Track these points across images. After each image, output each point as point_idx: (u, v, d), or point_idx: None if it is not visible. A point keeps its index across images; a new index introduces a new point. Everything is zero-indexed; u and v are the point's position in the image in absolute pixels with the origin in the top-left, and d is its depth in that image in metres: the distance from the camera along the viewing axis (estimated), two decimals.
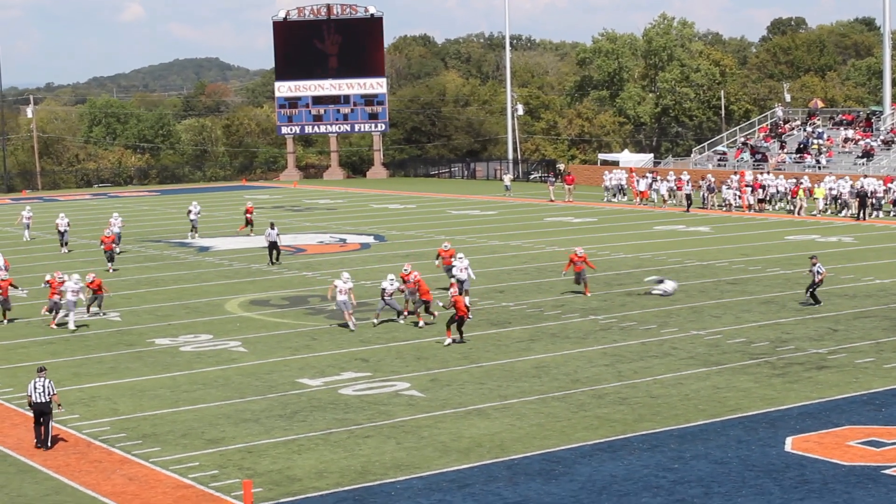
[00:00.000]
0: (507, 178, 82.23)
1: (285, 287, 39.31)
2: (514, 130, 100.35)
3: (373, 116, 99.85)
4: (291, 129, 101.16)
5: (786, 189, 62.29)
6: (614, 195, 70.69)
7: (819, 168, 70.46)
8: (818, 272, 32.76)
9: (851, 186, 59.12)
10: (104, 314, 34.03)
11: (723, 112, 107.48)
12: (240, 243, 52.45)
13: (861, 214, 56.60)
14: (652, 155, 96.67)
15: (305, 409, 23.21)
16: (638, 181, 68.77)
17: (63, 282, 32.38)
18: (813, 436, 20.48)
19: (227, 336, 30.97)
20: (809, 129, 78.85)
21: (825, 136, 76.26)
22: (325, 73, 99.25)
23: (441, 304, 31.14)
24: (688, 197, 62.31)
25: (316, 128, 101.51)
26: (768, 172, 67.80)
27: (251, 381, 25.70)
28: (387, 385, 25.00)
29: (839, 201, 59.70)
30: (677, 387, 24.21)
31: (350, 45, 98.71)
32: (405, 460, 19.73)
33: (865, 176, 62.26)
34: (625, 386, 24.41)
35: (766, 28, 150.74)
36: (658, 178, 69.45)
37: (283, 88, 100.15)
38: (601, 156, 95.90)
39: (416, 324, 31.20)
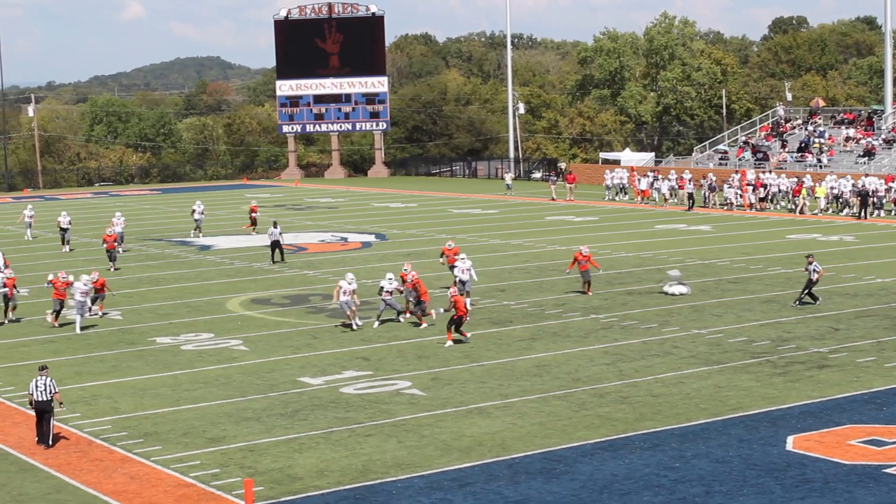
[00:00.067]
0: (509, 177, 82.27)
1: (286, 286, 39.32)
2: (515, 129, 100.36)
3: (374, 115, 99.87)
4: (293, 128, 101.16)
5: (787, 188, 62.27)
6: (616, 194, 70.69)
7: (820, 167, 70.44)
8: (814, 271, 32.76)
9: (853, 185, 59.11)
10: (103, 314, 33.99)
11: (724, 111, 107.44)
12: (241, 242, 52.47)
13: (862, 213, 56.60)
14: (653, 154, 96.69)
15: (307, 407, 23.22)
16: (639, 180, 68.76)
17: (68, 282, 32.30)
18: (814, 435, 20.48)
19: (228, 335, 30.98)
20: (811, 128, 78.83)
21: (826, 135, 76.25)
22: (327, 71, 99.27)
23: (442, 310, 31.10)
24: (690, 196, 62.29)
25: (317, 126, 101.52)
26: (770, 171, 67.80)
27: (252, 380, 25.71)
28: (388, 384, 25.01)
29: (840, 200, 59.70)
30: (678, 386, 24.21)
31: (351, 44, 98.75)
32: (406, 459, 19.73)
33: (867, 175, 62.26)
34: (626, 385, 24.41)
35: (768, 27, 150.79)
36: (659, 177, 69.45)
37: (285, 87, 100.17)
38: (602, 155, 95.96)
39: (417, 324, 31.17)
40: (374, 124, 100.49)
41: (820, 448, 19.68)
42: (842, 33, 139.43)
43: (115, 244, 44.94)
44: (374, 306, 32.58)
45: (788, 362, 26.07)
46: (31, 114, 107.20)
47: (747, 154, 76.81)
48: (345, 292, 30.46)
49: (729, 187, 63.15)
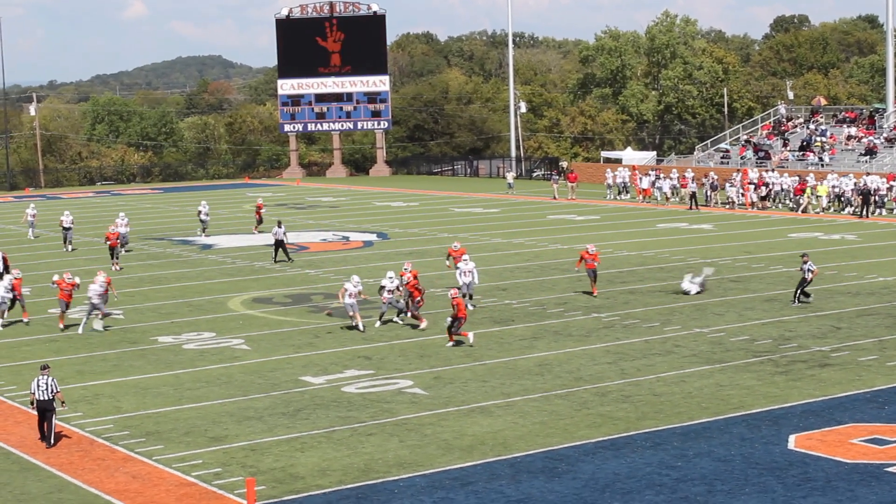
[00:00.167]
0: (510, 176, 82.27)
1: (288, 285, 39.33)
2: (516, 128, 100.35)
3: (375, 114, 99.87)
4: (294, 127, 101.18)
5: (789, 187, 62.22)
6: (619, 193, 70.65)
7: (822, 166, 70.41)
8: (809, 270, 32.74)
9: (855, 184, 59.09)
10: (105, 315, 33.91)
11: (726, 110, 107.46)
12: (242, 241, 52.48)
13: (864, 212, 56.58)
14: (655, 153, 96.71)
15: (308, 406, 23.22)
16: (641, 179, 68.74)
17: (73, 283, 32.20)
18: (816, 433, 20.48)
19: (230, 334, 30.98)
20: (812, 126, 78.79)
21: (828, 133, 76.21)
22: (328, 70, 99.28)
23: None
24: (692, 195, 62.27)
25: (319, 125, 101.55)
26: (773, 170, 67.78)
27: (254, 379, 25.71)
28: (390, 383, 25.01)
29: (842, 199, 59.69)
30: (680, 384, 24.21)
31: (353, 43, 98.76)
32: (408, 458, 19.73)
33: (868, 174, 62.24)
34: (628, 384, 24.41)
35: (769, 25, 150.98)
36: (661, 175, 69.43)
37: (286, 86, 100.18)
38: (604, 154, 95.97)
39: (416, 325, 31.04)
40: (376, 123, 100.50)
41: (822, 447, 19.68)
42: (843, 32, 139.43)
43: (118, 242, 44.94)
44: (375, 304, 32.57)
45: (790, 361, 26.07)
46: (32, 113, 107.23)
47: (749, 153, 76.78)
48: (350, 294, 30.32)
49: (731, 186, 63.14)
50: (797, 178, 61.94)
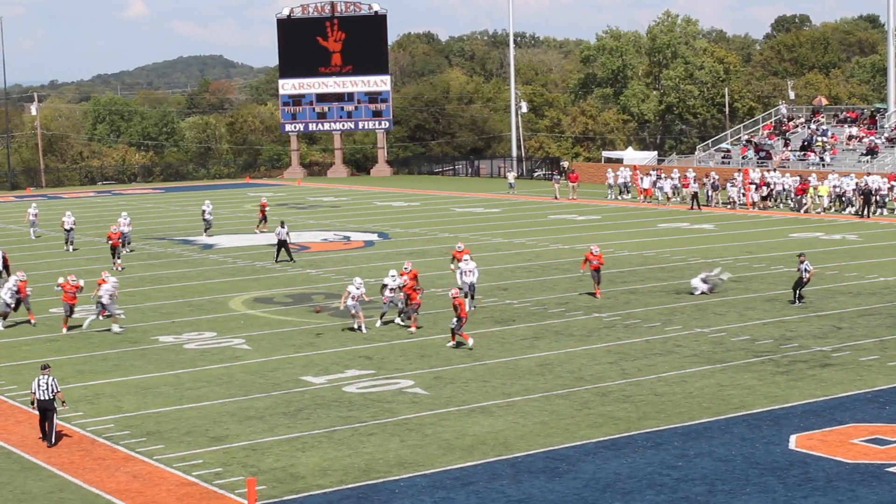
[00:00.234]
0: (511, 176, 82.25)
1: (289, 285, 39.33)
2: (517, 128, 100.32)
3: (377, 114, 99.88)
4: (295, 127, 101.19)
5: (790, 187, 62.19)
6: (620, 193, 70.59)
7: (823, 165, 70.40)
8: (806, 270, 32.74)
9: (856, 184, 59.07)
10: (107, 315, 33.87)
11: (727, 109, 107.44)
12: (243, 241, 52.49)
13: (865, 212, 56.57)
14: (656, 152, 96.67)
15: (309, 406, 23.22)
16: (642, 179, 68.72)
17: (77, 285, 32.12)
18: (817, 433, 20.47)
19: (230, 334, 30.98)
20: (813, 126, 78.78)
21: (829, 133, 76.19)
22: (329, 70, 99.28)
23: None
24: (694, 195, 62.27)
25: (320, 125, 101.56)
26: (774, 170, 67.78)
27: (255, 379, 25.72)
28: (391, 383, 25.01)
29: (843, 199, 59.67)
30: (681, 384, 24.20)
31: (354, 43, 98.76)
32: (409, 458, 19.73)
33: (869, 174, 62.22)
34: (629, 384, 24.40)
35: (771, 25, 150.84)
36: (662, 175, 69.41)
37: (287, 86, 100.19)
38: (605, 153, 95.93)
39: (407, 327, 30.77)
40: (377, 123, 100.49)
41: (823, 447, 19.68)
42: (844, 31, 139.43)
43: (120, 241, 44.94)
44: (377, 304, 32.55)
45: (791, 361, 26.06)
46: (33, 112, 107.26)
47: (750, 153, 76.76)
48: (353, 297, 30.21)
49: (732, 186, 63.13)
50: (798, 178, 61.92)
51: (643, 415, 21.97)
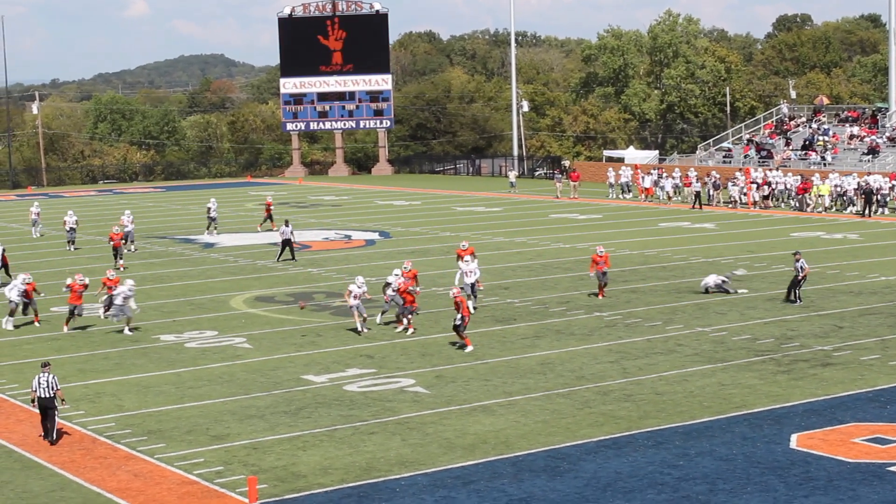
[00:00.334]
0: (513, 175, 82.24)
1: (290, 283, 39.33)
2: (519, 127, 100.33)
3: (378, 113, 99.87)
4: (296, 126, 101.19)
5: (791, 186, 62.15)
6: (622, 192, 70.53)
7: (824, 165, 70.39)
8: (801, 268, 32.73)
9: (857, 183, 59.04)
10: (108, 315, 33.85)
11: (728, 109, 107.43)
12: (244, 240, 52.50)
13: (866, 211, 56.55)
14: (657, 152, 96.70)
15: (310, 405, 23.23)
16: (643, 178, 68.70)
17: (84, 284, 32.08)
18: (818, 433, 20.47)
19: (232, 332, 30.99)
20: (815, 125, 78.76)
21: (830, 132, 76.18)
22: (330, 69, 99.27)
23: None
24: (696, 194, 62.27)
25: (321, 124, 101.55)
26: (777, 169, 67.77)
27: (256, 378, 25.72)
28: (392, 381, 25.01)
29: (844, 198, 59.65)
30: (682, 384, 24.20)
31: (355, 42, 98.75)
32: (410, 457, 19.73)
33: (870, 173, 62.21)
34: (630, 383, 24.40)
35: (772, 25, 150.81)
36: (663, 174, 69.39)
37: (289, 85, 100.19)
38: (606, 152, 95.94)
39: (405, 329, 30.56)
40: (378, 122, 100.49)
41: (824, 446, 19.67)
42: (846, 31, 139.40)
43: (122, 242, 44.92)
44: (378, 303, 32.54)
45: (792, 360, 26.05)
46: (35, 111, 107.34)
47: (752, 152, 76.76)
48: (355, 296, 30.08)
49: (734, 185, 63.12)
50: (800, 178, 61.89)
51: (644, 414, 21.97)
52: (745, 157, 76.20)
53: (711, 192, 63.62)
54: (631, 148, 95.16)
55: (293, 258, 44.36)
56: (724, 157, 78.58)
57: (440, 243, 48.96)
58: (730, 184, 63.82)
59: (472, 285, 32.76)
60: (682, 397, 23.12)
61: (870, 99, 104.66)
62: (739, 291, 34.97)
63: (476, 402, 23.11)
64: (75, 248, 50.13)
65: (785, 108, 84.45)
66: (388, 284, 31.35)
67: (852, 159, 71.27)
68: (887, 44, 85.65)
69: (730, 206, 62.45)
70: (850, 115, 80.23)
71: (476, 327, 29.96)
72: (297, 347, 28.82)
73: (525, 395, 23.63)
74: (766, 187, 62.41)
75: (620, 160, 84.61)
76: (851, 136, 74.78)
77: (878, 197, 57.70)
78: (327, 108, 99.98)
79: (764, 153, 75.29)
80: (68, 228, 50.44)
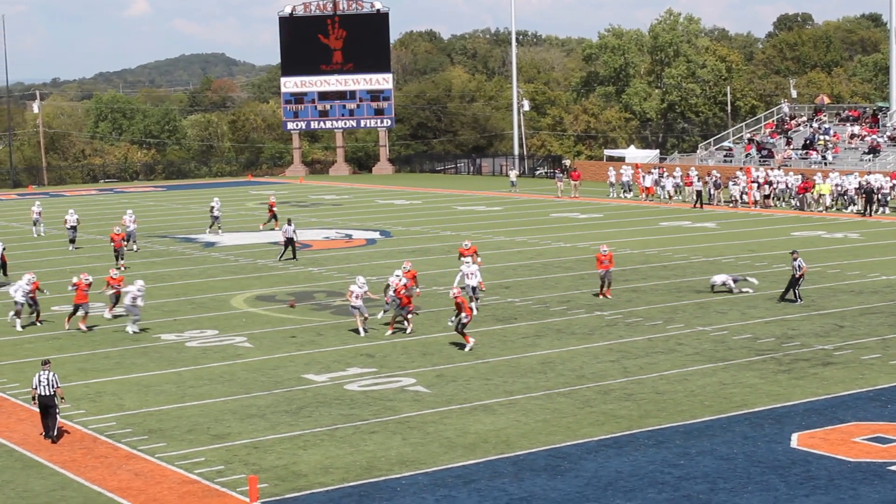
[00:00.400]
0: (513, 174, 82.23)
1: (291, 283, 39.33)
2: (519, 126, 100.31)
3: (379, 112, 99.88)
4: (297, 125, 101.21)
5: (792, 185, 62.13)
6: (627, 191, 70.40)
7: (825, 164, 70.38)
8: (799, 267, 32.72)
9: (858, 183, 59.03)
10: (115, 316, 33.85)
11: (729, 108, 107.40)
12: (245, 239, 52.50)
13: (867, 210, 56.55)
14: (658, 151, 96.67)
15: (311, 404, 23.23)
16: (644, 177, 68.68)
17: (90, 283, 32.06)
18: (819, 432, 20.47)
19: (232, 332, 30.99)
20: (816, 125, 78.75)
21: (831, 132, 76.16)
22: (331, 68, 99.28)
23: (451, 321, 30.18)
24: (698, 193, 62.27)
25: (322, 123, 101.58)
26: (779, 168, 67.76)
27: (257, 377, 25.72)
28: (392, 381, 25.01)
29: (845, 197, 59.64)
30: (683, 383, 24.20)
31: (356, 41, 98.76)
32: (411, 456, 19.74)
33: (870, 173, 62.19)
34: (630, 382, 24.40)
35: (773, 24, 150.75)
36: (664, 173, 69.38)
37: (289, 84, 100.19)
38: (607, 152, 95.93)
39: (404, 329, 30.43)
40: (379, 121, 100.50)
41: (824, 445, 19.67)
42: (847, 30, 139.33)
43: (123, 242, 44.90)
44: (379, 303, 32.52)
45: (793, 359, 26.05)
46: (35, 110, 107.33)
47: (753, 151, 76.74)
48: (357, 297, 29.99)
49: (734, 185, 63.11)
50: (800, 177, 61.89)
51: (645, 413, 21.97)
52: (746, 156, 76.19)
53: (712, 192, 63.62)
54: (632, 147, 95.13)
55: (294, 257, 44.37)
56: (725, 156, 78.57)
57: (441, 242, 48.96)
58: (730, 183, 63.81)
59: (474, 288, 32.61)
60: (683, 396, 23.12)
61: (871, 98, 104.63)
62: (744, 290, 34.99)
63: (477, 402, 23.11)
64: (76, 248, 50.12)
65: (786, 108, 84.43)
66: (388, 286, 31.35)
67: (853, 159, 71.25)
68: (888, 43, 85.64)
69: (731, 205, 62.44)
70: (850, 114, 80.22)
71: (477, 326, 29.94)
72: (298, 347, 28.82)
73: (526, 394, 23.63)
74: (766, 186, 62.40)
75: (621, 159, 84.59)
76: (852, 136, 74.77)
77: (879, 196, 57.70)
78: (328, 107, 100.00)
79: (765, 152, 75.28)
80: (69, 227, 50.43)
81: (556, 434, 20.75)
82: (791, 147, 75.54)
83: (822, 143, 74.24)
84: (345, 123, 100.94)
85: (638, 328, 30.03)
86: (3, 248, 41.69)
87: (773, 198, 62.35)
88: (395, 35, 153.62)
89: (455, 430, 21.13)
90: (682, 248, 45.25)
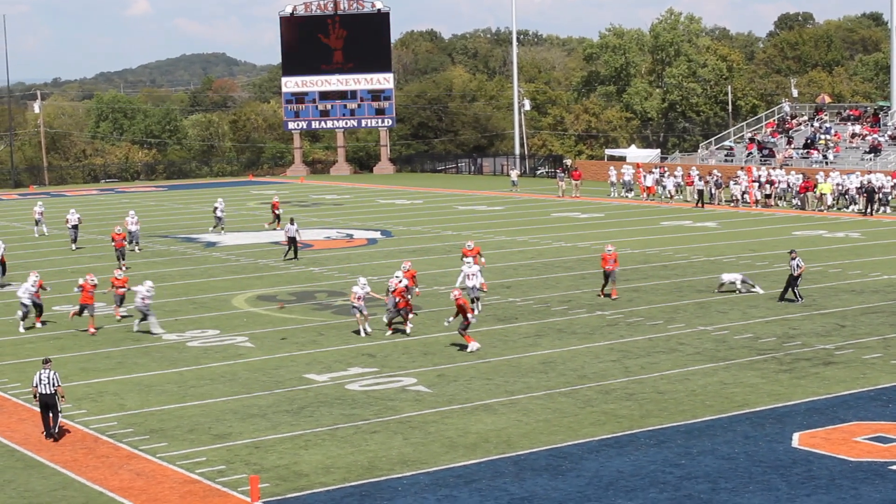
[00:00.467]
0: (514, 174, 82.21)
1: (292, 282, 39.34)
2: (520, 126, 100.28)
3: (379, 112, 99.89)
4: (298, 125, 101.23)
5: (793, 185, 62.10)
6: (628, 190, 70.32)
7: (826, 163, 70.36)
8: (797, 266, 32.72)
9: (860, 182, 59.00)
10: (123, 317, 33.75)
11: (730, 107, 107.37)
12: (246, 239, 52.50)
13: (868, 210, 56.53)
14: (659, 150, 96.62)
15: (312, 404, 23.23)
16: (644, 177, 68.68)
17: (95, 284, 32.04)
18: (820, 431, 20.46)
19: (234, 331, 31.00)
20: (817, 124, 78.73)
21: (832, 131, 76.14)
22: (332, 68, 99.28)
23: (448, 321, 30.10)
24: (699, 193, 62.25)
25: (323, 123, 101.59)
26: (780, 168, 67.73)
27: (258, 377, 25.73)
28: (393, 380, 25.01)
29: (846, 197, 59.62)
30: (684, 382, 24.20)
31: (357, 41, 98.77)
32: (412, 456, 19.74)
33: (871, 172, 62.16)
34: (631, 382, 24.40)
35: (774, 23, 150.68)
36: (665, 173, 69.36)
37: (290, 84, 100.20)
38: (608, 151, 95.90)
39: (403, 331, 30.36)
40: (380, 121, 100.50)
41: (826, 445, 19.67)
42: (848, 29, 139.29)
43: (125, 243, 44.89)
44: (380, 303, 32.52)
45: (794, 359, 26.05)
46: (37, 110, 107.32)
47: (754, 150, 76.72)
48: (358, 297, 29.94)
49: (735, 184, 63.10)
50: (801, 176, 61.87)
51: (646, 413, 21.97)
52: (748, 155, 76.17)
53: (713, 191, 63.61)
54: (633, 146, 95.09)
55: (296, 257, 44.39)
56: (726, 155, 78.56)
57: (442, 242, 48.96)
58: (732, 183, 63.79)
59: (474, 288, 32.56)
60: (684, 396, 23.12)
61: (871, 97, 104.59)
62: (751, 290, 35.01)
63: (478, 401, 23.11)
64: (77, 248, 50.11)
65: (787, 107, 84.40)
66: (389, 289, 31.29)
67: (854, 158, 71.23)
68: (889, 42, 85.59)
69: (732, 204, 62.43)
70: (851, 113, 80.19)
71: (478, 326, 29.93)
72: (299, 346, 28.83)
73: (527, 393, 23.63)
74: (768, 186, 62.38)
75: (622, 159, 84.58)
76: (853, 135, 74.75)
77: (880, 195, 57.68)
78: (329, 106, 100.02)
79: (766, 152, 75.26)
80: (70, 227, 50.43)
81: (557, 434, 20.75)
82: (792, 146, 75.52)
83: (823, 142, 74.23)
84: (346, 123, 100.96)
85: (639, 328, 30.03)
86: (4, 249, 41.66)
87: (775, 197, 62.36)
88: (395, 35, 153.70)
89: (456, 430, 21.13)
90: (684, 248, 45.24)
